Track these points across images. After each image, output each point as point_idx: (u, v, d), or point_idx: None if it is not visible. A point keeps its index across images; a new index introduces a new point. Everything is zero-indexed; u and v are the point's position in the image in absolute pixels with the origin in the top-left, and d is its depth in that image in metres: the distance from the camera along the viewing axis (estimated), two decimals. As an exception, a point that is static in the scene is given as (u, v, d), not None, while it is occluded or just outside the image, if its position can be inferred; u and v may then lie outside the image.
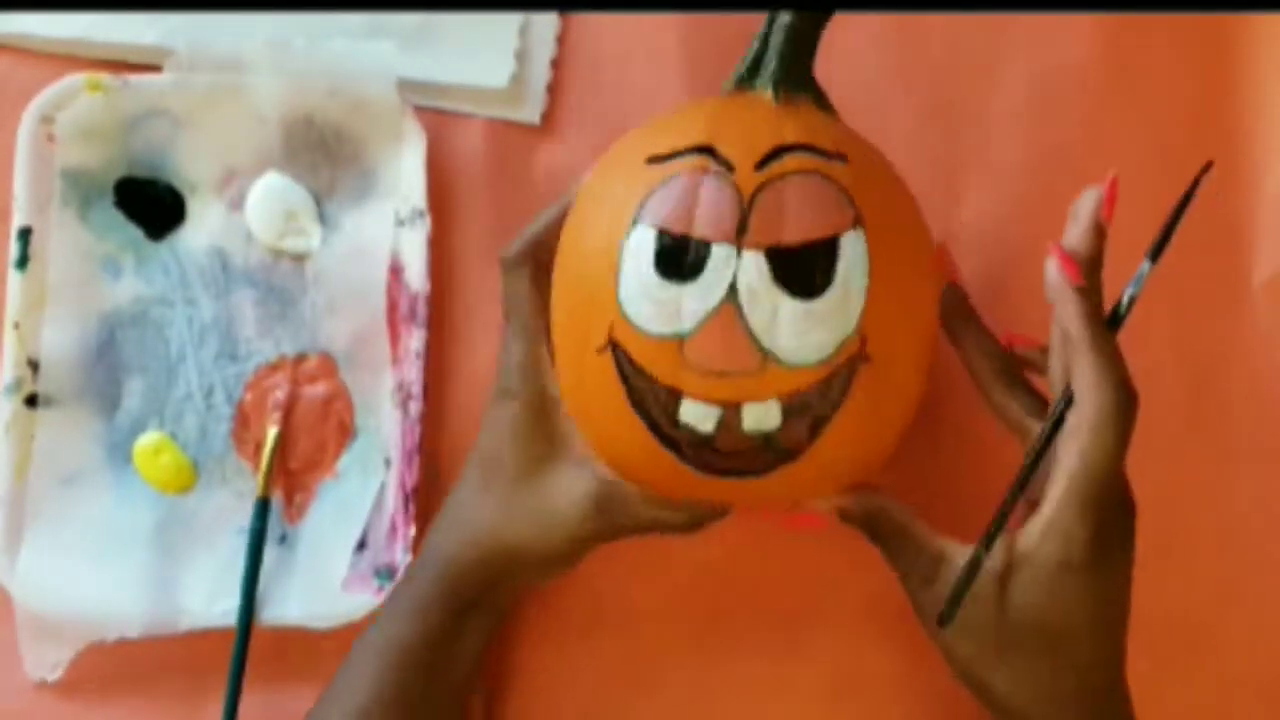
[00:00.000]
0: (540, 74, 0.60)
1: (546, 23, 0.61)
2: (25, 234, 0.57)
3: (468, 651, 0.53)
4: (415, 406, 0.57)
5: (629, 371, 0.45)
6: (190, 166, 0.59)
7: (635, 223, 0.45)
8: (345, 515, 0.58)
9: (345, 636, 0.54)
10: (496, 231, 0.60)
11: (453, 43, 0.60)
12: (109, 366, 0.58)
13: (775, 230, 0.43)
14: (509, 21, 0.60)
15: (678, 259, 0.44)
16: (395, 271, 0.58)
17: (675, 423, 0.45)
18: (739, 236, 0.43)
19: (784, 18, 0.47)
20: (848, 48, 0.58)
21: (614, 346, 0.45)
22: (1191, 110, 0.60)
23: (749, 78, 0.48)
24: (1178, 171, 0.60)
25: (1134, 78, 0.60)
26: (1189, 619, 0.57)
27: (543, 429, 0.51)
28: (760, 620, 0.59)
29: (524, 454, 0.51)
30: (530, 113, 0.60)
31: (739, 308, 0.43)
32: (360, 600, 0.56)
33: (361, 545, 0.57)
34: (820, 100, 0.49)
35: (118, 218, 0.58)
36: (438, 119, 0.60)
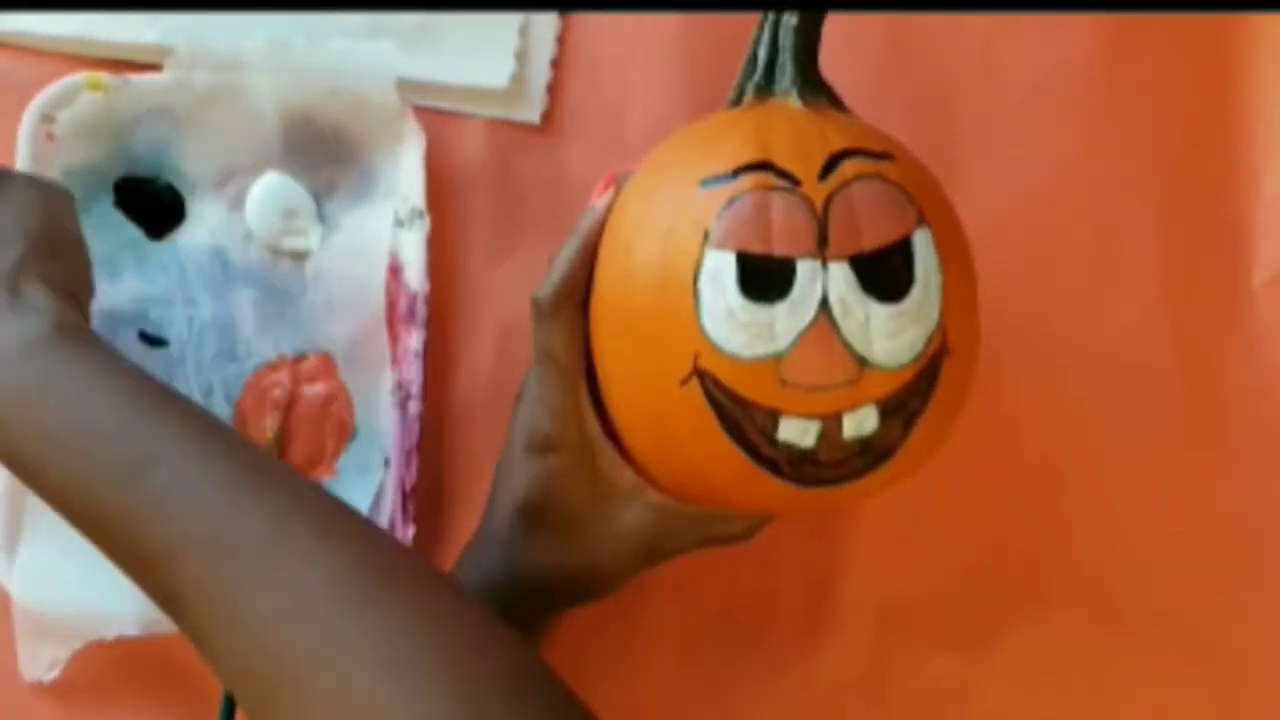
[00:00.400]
0: (540, 74, 0.60)
1: (546, 23, 0.61)
2: (25, 233, 0.57)
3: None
4: (414, 406, 0.57)
5: (720, 398, 0.44)
6: (190, 166, 0.58)
7: (707, 249, 0.44)
8: (344, 515, 0.58)
9: (344, 636, 0.55)
10: (496, 231, 0.60)
11: (453, 43, 0.60)
12: (108, 366, 0.58)
13: (854, 238, 0.43)
14: (509, 21, 0.60)
15: (764, 279, 0.43)
16: (395, 271, 0.58)
17: (774, 442, 0.45)
18: (821, 249, 0.43)
19: (790, 19, 0.47)
20: (847, 48, 0.58)
21: (701, 375, 0.44)
22: (1191, 110, 0.60)
23: (766, 85, 0.48)
24: (1178, 172, 0.60)
25: (1134, 78, 0.61)
26: (1189, 619, 0.57)
27: (588, 471, 0.51)
28: (765, 620, 0.59)
29: (572, 499, 0.51)
30: (530, 113, 0.60)
31: (833, 320, 0.43)
32: (359, 600, 0.56)
33: (360, 545, 0.57)
34: (836, 101, 0.49)
35: (117, 217, 0.58)
36: (437, 119, 0.60)
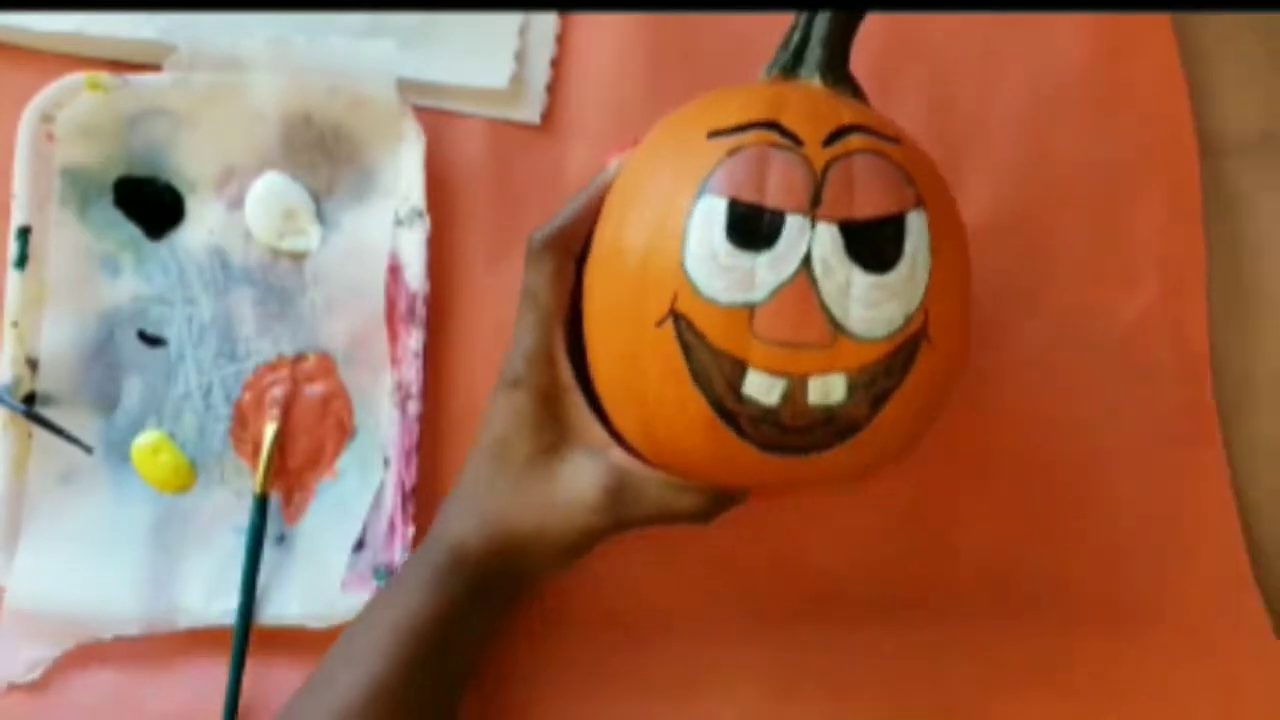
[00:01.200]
0: (540, 74, 0.60)
1: (546, 23, 0.60)
2: (24, 233, 0.57)
3: (475, 636, 0.53)
4: (414, 406, 0.57)
5: (692, 342, 0.45)
6: (189, 165, 0.58)
7: (702, 193, 0.44)
8: (344, 515, 0.58)
9: (344, 636, 0.55)
10: (496, 232, 0.60)
11: (452, 43, 0.60)
12: (107, 365, 0.58)
13: (847, 204, 0.44)
14: (509, 22, 0.60)
15: (751, 227, 0.44)
16: (394, 271, 0.58)
17: (738, 396, 0.45)
18: (813, 208, 0.44)
19: (824, 14, 0.48)
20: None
21: (676, 317, 0.45)
22: (1191, 110, 0.60)
23: (792, 67, 0.49)
24: (1178, 171, 0.60)
25: (1134, 78, 0.60)
26: (1190, 617, 0.57)
27: (554, 417, 0.51)
28: (763, 615, 0.59)
29: (535, 442, 0.51)
30: (530, 113, 0.60)
31: (813, 279, 0.43)
32: (359, 600, 0.56)
33: (360, 545, 0.57)
34: (860, 94, 0.50)
35: (117, 216, 0.58)
36: (437, 119, 0.60)
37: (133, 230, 0.58)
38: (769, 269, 0.43)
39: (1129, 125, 0.60)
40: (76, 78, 0.56)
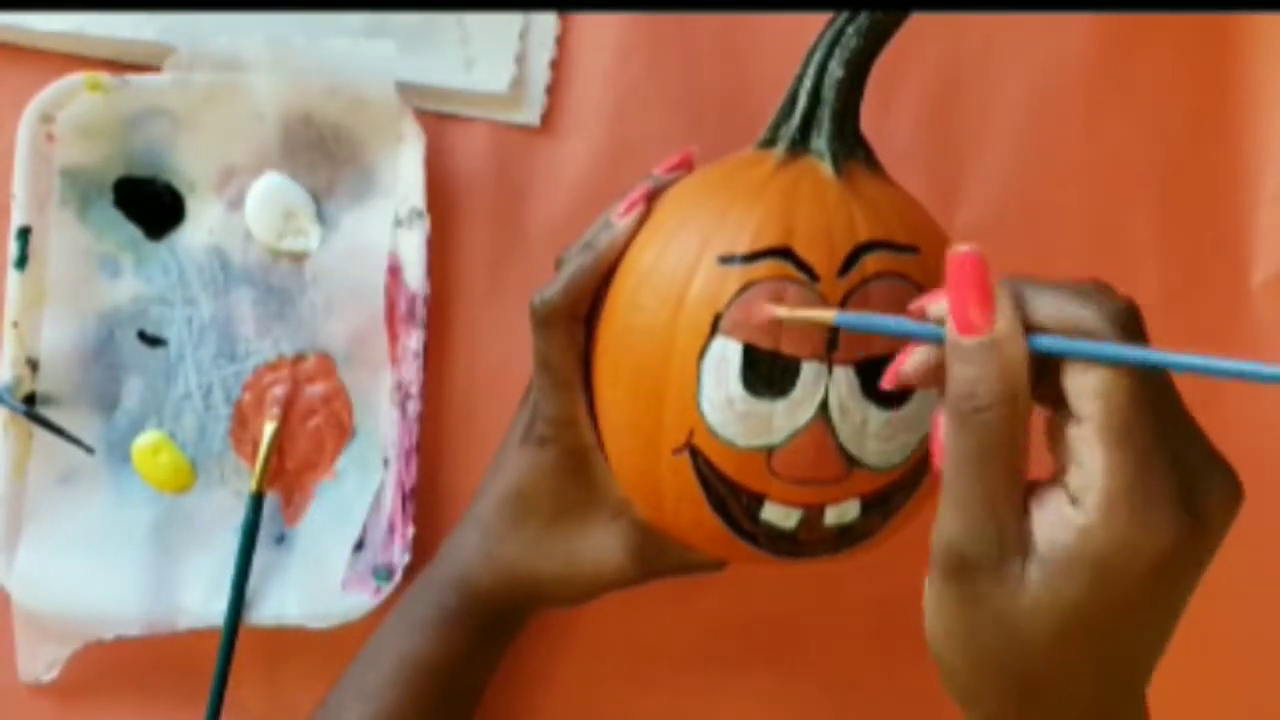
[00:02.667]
0: (540, 76, 0.60)
1: (546, 25, 0.60)
2: (24, 233, 0.56)
3: (484, 668, 0.55)
4: (414, 406, 0.57)
5: (710, 476, 0.45)
6: (189, 166, 0.58)
7: (714, 332, 0.43)
8: (343, 515, 0.58)
9: (344, 636, 0.55)
10: (496, 233, 0.60)
11: (452, 45, 0.60)
12: (108, 365, 0.58)
13: (864, 342, 0.43)
14: (509, 24, 0.60)
15: (767, 375, 0.43)
16: (394, 272, 0.58)
17: (756, 520, 0.45)
18: (829, 352, 0.43)
19: (836, 71, 0.45)
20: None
21: (693, 451, 0.45)
22: (1191, 110, 0.60)
23: (801, 139, 0.46)
24: (1178, 172, 0.60)
25: (1134, 78, 0.60)
26: (1189, 619, 0.57)
27: (578, 476, 0.51)
28: (759, 635, 0.59)
29: (559, 501, 0.52)
30: (530, 115, 0.60)
31: (830, 423, 0.43)
32: (358, 600, 0.56)
33: (359, 545, 0.57)
34: (869, 158, 0.47)
35: (117, 217, 0.58)
36: (438, 121, 0.60)
37: (133, 231, 0.58)
38: (785, 416, 0.43)
39: (1129, 125, 0.60)
40: (76, 78, 0.56)
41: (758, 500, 0.45)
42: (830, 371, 0.43)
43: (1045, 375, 0.36)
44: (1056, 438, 0.36)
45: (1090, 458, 0.34)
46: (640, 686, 0.59)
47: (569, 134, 0.60)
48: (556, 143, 0.60)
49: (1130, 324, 0.35)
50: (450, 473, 0.59)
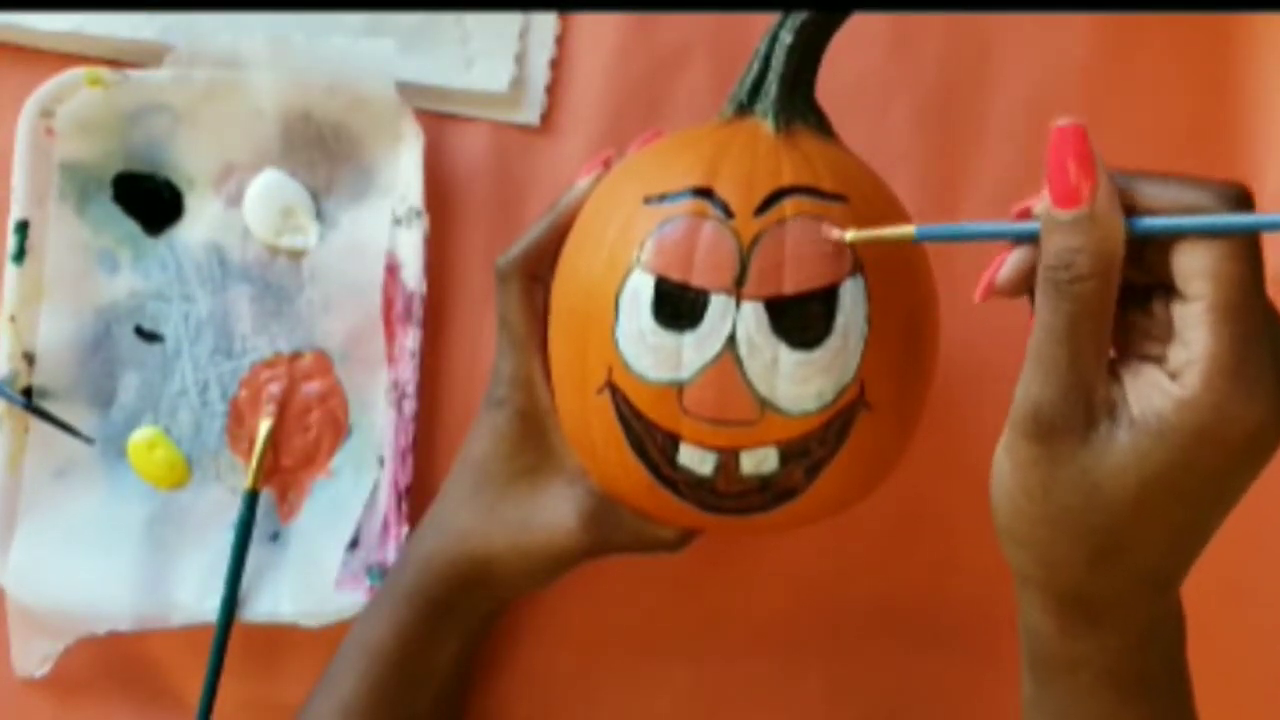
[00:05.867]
0: (539, 76, 0.60)
1: (546, 25, 0.61)
2: (23, 227, 0.57)
3: (443, 656, 0.53)
4: (409, 405, 0.57)
5: (627, 414, 0.45)
6: (188, 162, 0.59)
7: (632, 267, 0.44)
8: (338, 513, 0.58)
9: (338, 634, 0.54)
10: (495, 233, 0.60)
11: (452, 45, 0.60)
12: (104, 361, 0.58)
13: (774, 280, 0.43)
14: (509, 24, 0.60)
15: (676, 307, 0.43)
16: (392, 270, 0.58)
17: (674, 464, 0.45)
18: (738, 287, 0.43)
19: (785, 38, 0.46)
20: (846, 48, 0.58)
21: (613, 389, 0.45)
22: (1191, 111, 0.60)
23: (749, 103, 0.47)
24: (1177, 171, 0.60)
25: (1134, 78, 0.60)
26: (1189, 619, 0.57)
27: (534, 440, 0.51)
28: (751, 627, 0.59)
29: (513, 464, 0.52)
30: (529, 114, 0.60)
31: (738, 358, 0.43)
32: (353, 598, 0.56)
33: (354, 544, 0.57)
34: (821, 125, 0.48)
35: (115, 212, 0.58)
36: (437, 120, 0.60)
37: (131, 226, 0.59)
38: (694, 349, 0.43)
39: (1129, 125, 0.60)
40: (76, 73, 0.56)
41: (673, 441, 0.45)
42: (739, 306, 0.43)
43: (1138, 259, 0.37)
44: (1147, 318, 0.38)
45: (1197, 335, 0.35)
46: (638, 682, 0.59)
47: (569, 134, 0.60)
48: (556, 142, 0.60)
49: (1239, 201, 0.36)
50: (445, 472, 0.58)
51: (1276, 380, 0.35)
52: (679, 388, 0.44)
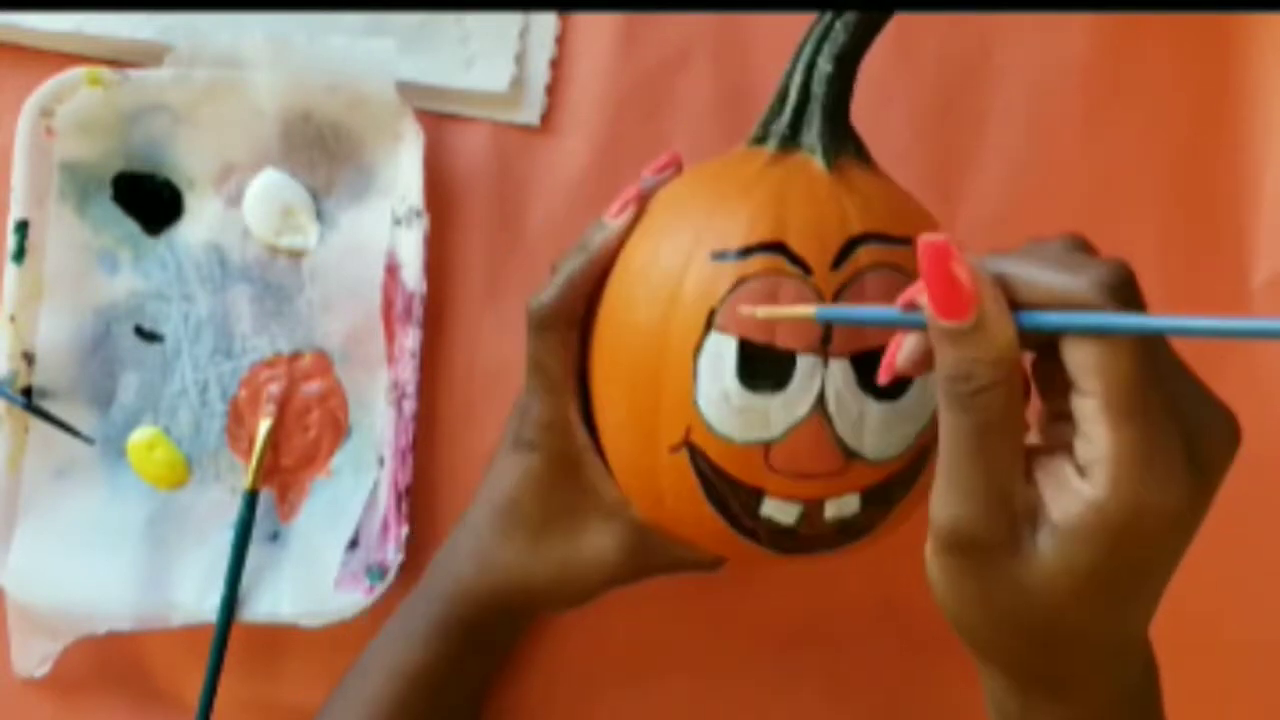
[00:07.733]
0: (539, 75, 0.60)
1: (546, 25, 0.61)
2: (23, 227, 0.57)
3: (475, 678, 0.55)
4: (409, 405, 0.57)
5: (707, 471, 0.45)
6: (188, 162, 0.58)
7: (710, 328, 0.43)
8: (338, 513, 0.58)
9: (337, 634, 0.55)
10: (495, 233, 0.60)
11: (452, 45, 0.60)
12: (104, 360, 0.58)
13: (859, 335, 0.43)
14: (509, 24, 0.60)
15: (762, 369, 0.43)
16: (392, 270, 0.58)
17: (755, 516, 0.45)
18: (824, 345, 0.42)
19: (825, 67, 0.45)
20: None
21: (691, 448, 0.44)
22: (1191, 111, 0.60)
23: (792, 135, 0.46)
24: (1177, 172, 0.60)
25: (1134, 78, 0.60)
26: (1189, 619, 0.57)
27: (569, 480, 0.51)
28: (751, 627, 0.59)
29: (549, 504, 0.51)
30: (529, 114, 0.60)
31: (827, 416, 0.43)
32: (352, 599, 0.56)
33: (354, 544, 0.57)
34: (861, 151, 0.47)
35: (115, 212, 0.58)
36: (437, 120, 0.60)
37: (131, 226, 0.59)
38: (783, 409, 0.43)
39: (1129, 125, 0.60)
40: (76, 73, 0.56)
41: (757, 496, 0.44)
42: (826, 364, 0.42)
43: (1042, 348, 0.36)
44: (1058, 405, 0.36)
45: (1098, 433, 0.33)
46: (641, 687, 0.59)
47: (568, 133, 0.60)
48: (556, 142, 0.60)
49: (1123, 289, 0.34)
50: (445, 472, 0.58)
51: (1184, 465, 0.34)
52: (766, 446, 0.43)
